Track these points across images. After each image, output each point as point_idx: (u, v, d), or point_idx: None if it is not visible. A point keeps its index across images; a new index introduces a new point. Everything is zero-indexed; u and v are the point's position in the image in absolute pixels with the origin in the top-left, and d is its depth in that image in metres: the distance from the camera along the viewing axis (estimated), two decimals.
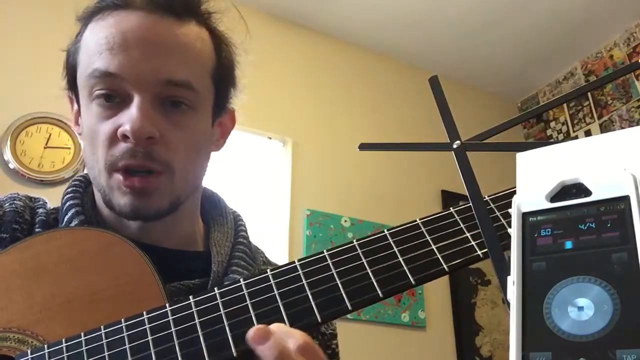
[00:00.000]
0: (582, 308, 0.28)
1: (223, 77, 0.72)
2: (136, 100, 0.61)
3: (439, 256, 0.51)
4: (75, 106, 0.71)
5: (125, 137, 0.61)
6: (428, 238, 0.53)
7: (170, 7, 0.65)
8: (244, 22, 0.76)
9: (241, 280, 0.51)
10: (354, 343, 2.12)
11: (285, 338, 0.45)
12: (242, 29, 0.76)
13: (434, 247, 0.52)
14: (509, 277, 0.32)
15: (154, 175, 0.63)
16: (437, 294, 2.56)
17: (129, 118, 0.61)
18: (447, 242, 0.52)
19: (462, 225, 0.53)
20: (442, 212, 0.55)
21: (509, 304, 0.31)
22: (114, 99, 0.62)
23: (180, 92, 0.64)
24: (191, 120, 0.66)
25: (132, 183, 0.62)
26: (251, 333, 0.44)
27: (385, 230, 0.54)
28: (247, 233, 0.77)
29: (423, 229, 0.53)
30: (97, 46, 0.63)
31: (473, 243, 0.52)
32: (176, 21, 0.65)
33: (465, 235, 0.52)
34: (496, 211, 0.53)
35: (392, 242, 0.52)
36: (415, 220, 0.54)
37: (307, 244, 2.34)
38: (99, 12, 0.66)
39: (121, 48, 0.62)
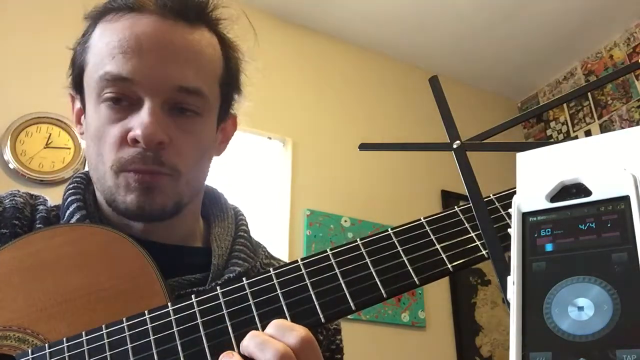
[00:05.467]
0: (582, 308, 0.28)
1: (230, 84, 0.72)
2: (147, 104, 0.62)
3: (443, 256, 0.51)
4: (77, 105, 0.71)
5: (135, 142, 0.61)
6: (432, 237, 0.52)
7: (183, 13, 0.65)
8: (252, 30, 0.76)
9: (244, 279, 0.51)
10: (354, 343, 2.11)
11: (286, 333, 0.45)
12: (250, 35, 0.76)
13: (438, 246, 0.51)
14: (509, 277, 0.32)
15: (162, 174, 0.63)
16: (437, 294, 2.56)
17: (140, 123, 0.61)
18: (451, 241, 0.51)
19: (466, 225, 0.52)
20: (446, 211, 0.54)
21: (509, 304, 0.31)
22: (122, 101, 0.62)
23: (190, 99, 0.64)
24: (199, 126, 0.67)
25: (144, 178, 0.62)
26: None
27: (389, 229, 0.53)
28: (247, 227, 0.77)
29: (427, 228, 0.53)
30: (109, 48, 0.62)
31: (477, 243, 0.51)
32: (189, 27, 0.66)
33: (470, 235, 0.52)
34: (501, 210, 0.52)
35: (395, 242, 0.52)
36: (419, 219, 0.53)
37: (307, 244, 2.34)
38: (110, 13, 0.65)
39: (135, 52, 0.62)
